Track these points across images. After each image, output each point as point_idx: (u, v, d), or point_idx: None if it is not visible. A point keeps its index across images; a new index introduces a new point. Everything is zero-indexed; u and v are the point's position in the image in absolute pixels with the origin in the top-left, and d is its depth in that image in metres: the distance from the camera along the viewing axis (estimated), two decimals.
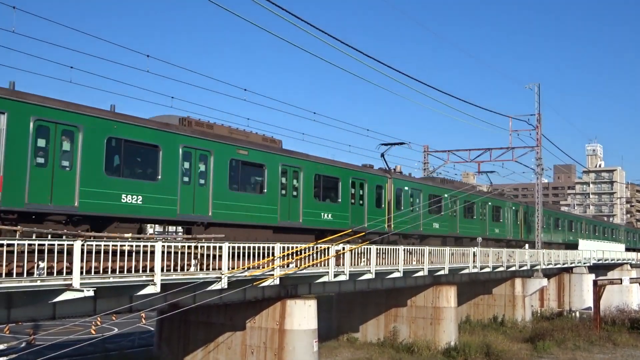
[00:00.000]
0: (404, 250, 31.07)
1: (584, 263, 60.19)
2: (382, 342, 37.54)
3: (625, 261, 73.88)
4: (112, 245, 16.74)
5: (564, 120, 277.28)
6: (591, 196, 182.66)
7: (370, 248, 28.22)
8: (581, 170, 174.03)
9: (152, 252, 17.80)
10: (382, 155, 40.21)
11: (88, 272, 15.91)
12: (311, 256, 24.20)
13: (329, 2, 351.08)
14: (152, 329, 37.18)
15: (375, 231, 34.16)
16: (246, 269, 21.15)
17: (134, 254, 17.42)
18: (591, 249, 64.88)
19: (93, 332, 37.05)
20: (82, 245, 15.52)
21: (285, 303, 25.69)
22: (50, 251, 15.26)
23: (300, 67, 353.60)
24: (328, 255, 25.20)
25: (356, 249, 27.53)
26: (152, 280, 17.72)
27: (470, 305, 48.92)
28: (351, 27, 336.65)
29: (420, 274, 33.01)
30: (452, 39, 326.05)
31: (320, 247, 24.94)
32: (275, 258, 22.40)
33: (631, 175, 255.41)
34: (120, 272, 16.87)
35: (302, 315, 25.72)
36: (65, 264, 15.54)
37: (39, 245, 14.91)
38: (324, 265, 25.18)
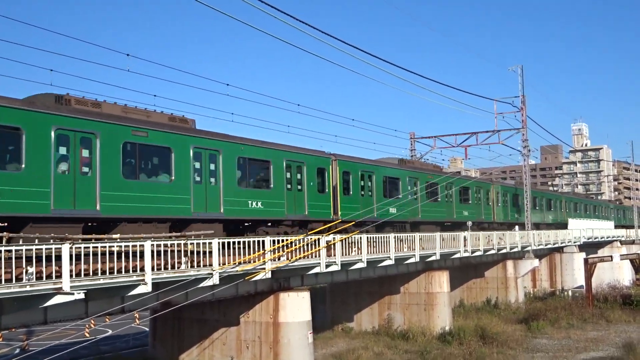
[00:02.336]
0: (395, 237, 31.10)
1: (574, 242, 60.55)
2: (377, 330, 37.65)
3: (615, 238, 74.37)
4: (101, 247, 16.63)
5: (548, 101, 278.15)
6: (579, 175, 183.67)
7: (361, 237, 28.23)
8: (568, 150, 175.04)
9: (142, 252, 17.71)
10: None
11: (78, 274, 15.82)
12: (302, 248, 24.18)
13: None
14: (146, 329, 37.12)
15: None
16: (237, 263, 21.10)
17: (123, 254, 17.33)
18: (581, 228, 65.28)
19: (87, 334, 36.96)
20: (70, 248, 15.40)
21: (278, 296, 25.68)
22: (39, 256, 15.15)
23: (283, 58, 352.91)
24: (319, 246, 25.18)
25: (347, 239, 27.52)
26: (143, 280, 17.64)
27: (463, 290, 49.11)
28: (334, 16, 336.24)
29: (411, 260, 33.08)
30: (434, 23, 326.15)
31: (311, 238, 24.92)
32: (266, 251, 22.36)
33: (617, 153, 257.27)
34: (110, 273, 16.76)
35: (296, 307, 25.73)
36: (54, 267, 15.42)
37: (26, 250, 14.78)
38: (316, 256, 25.17)
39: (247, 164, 27.65)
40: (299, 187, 30.53)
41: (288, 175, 29.85)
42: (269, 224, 29.07)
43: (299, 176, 30.62)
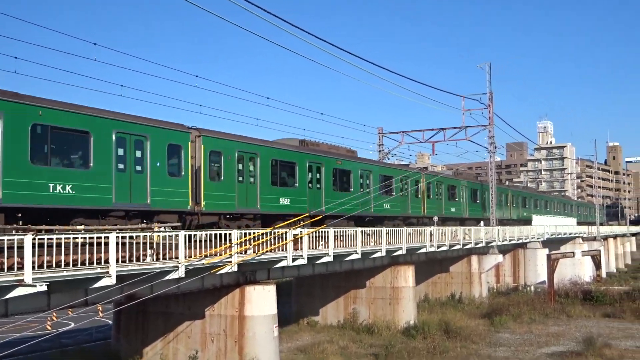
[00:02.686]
0: (362, 232, 31.18)
1: (538, 238, 61.36)
2: (342, 324, 37.75)
3: (577, 235, 75.60)
4: (65, 238, 16.38)
5: (515, 98, 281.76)
6: (543, 172, 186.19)
7: (327, 231, 28.24)
8: (533, 147, 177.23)
9: (107, 244, 17.48)
10: None
11: (40, 266, 15.54)
12: (269, 241, 24.10)
13: None
14: (110, 322, 36.69)
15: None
16: (203, 256, 20.96)
17: (87, 245, 17.09)
18: (544, 224, 66.20)
19: (49, 327, 36.45)
20: (33, 239, 15.14)
21: (244, 289, 25.57)
22: (0, 247, 14.87)
23: (252, 50, 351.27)
24: (286, 240, 25.13)
25: (314, 232, 27.50)
26: (107, 272, 17.40)
27: (428, 284, 49.47)
28: (303, 7, 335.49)
29: (378, 254, 33.21)
30: (403, 18, 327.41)
31: (278, 232, 24.85)
32: (233, 245, 22.25)
33: (581, 151, 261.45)
34: (74, 265, 16.52)
35: (262, 300, 25.66)
36: (16, 259, 15.15)
37: None
38: (282, 250, 25.13)
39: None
40: (139, 167, 24.20)
41: (120, 152, 23.45)
42: (85, 215, 22.33)
43: (138, 154, 24.23)
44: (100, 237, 17.48)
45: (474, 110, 53.80)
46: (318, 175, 35.52)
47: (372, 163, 44.06)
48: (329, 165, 36.58)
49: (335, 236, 28.69)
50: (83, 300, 19.21)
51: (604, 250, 74.49)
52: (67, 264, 16.34)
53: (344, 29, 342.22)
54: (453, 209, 55.05)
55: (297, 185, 33.66)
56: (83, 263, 16.85)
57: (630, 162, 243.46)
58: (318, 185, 35.45)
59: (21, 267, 15.12)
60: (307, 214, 32.67)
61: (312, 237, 27.42)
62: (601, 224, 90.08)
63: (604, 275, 66.10)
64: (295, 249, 26.01)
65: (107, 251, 17.45)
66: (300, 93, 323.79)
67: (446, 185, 54.01)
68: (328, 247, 28.20)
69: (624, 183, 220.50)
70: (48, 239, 15.85)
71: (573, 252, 57.53)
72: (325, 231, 28.20)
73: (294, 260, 25.90)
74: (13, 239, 15.09)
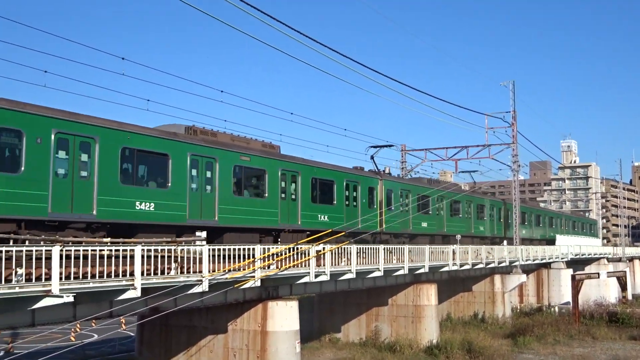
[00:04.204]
0: (384, 249, 31.12)
1: (562, 258, 60.75)
2: (364, 341, 37.56)
3: (602, 255, 74.66)
4: (91, 250, 16.56)
5: (539, 117, 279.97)
6: (567, 192, 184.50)
7: (350, 248, 28.23)
8: (557, 166, 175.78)
9: (132, 257, 17.65)
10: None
11: (67, 277, 15.74)
12: (292, 257, 24.15)
13: (302, 2, 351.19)
14: (133, 334, 36.92)
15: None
16: (227, 271, 21.05)
17: (113, 258, 17.27)
18: (568, 244, 65.50)
19: (72, 339, 36.73)
20: (61, 250, 15.33)
21: (266, 304, 25.62)
22: (29, 257, 15.07)
23: (277, 66, 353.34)
24: (308, 255, 25.16)
25: (336, 249, 27.50)
26: (133, 285, 17.56)
27: (450, 303, 49.14)
28: (326, 26, 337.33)
29: (400, 272, 33.08)
30: (426, 37, 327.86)
31: (301, 247, 24.90)
32: (256, 259, 22.33)
33: (605, 171, 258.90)
34: (100, 276, 16.70)
35: (284, 316, 25.66)
36: (44, 270, 15.34)
37: (17, 251, 14.70)
38: (305, 265, 25.15)
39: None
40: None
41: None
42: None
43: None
44: (125, 250, 17.66)
45: (497, 128, 53.60)
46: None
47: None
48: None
49: (357, 253, 28.67)
50: (108, 312, 19.42)
51: (629, 272, 73.43)
52: (93, 276, 16.53)
53: (367, 47, 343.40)
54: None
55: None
56: (109, 275, 17.02)
57: None
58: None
59: (48, 278, 15.29)
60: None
61: (335, 253, 27.42)
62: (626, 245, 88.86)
63: (629, 297, 65.06)
64: (318, 265, 26.03)
65: (132, 264, 17.61)
66: (323, 109, 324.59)
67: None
68: (350, 263, 28.17)
69: None
70: (75, 250, 16.05)
71: (598, 273, 56.72)
72: (347, 248, 28.19)
73: (316, 276, 25.91)
74: (41, 250, 15.30)
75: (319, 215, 32.05)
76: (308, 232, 30.70)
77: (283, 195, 30.24)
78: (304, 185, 31.63)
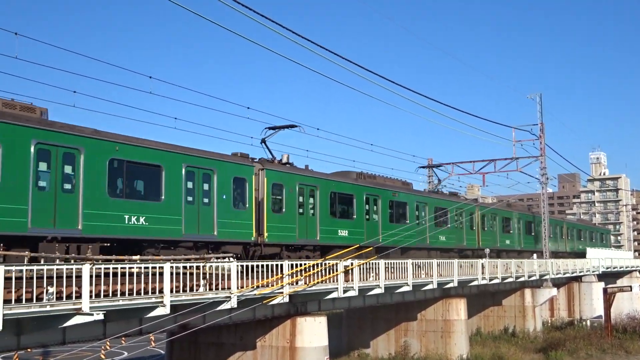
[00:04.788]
0: (412, 263, 30.93)
1: (593, 271, 59.88)
2: (393, 357, 37.33)
3: (634, 268, 73.51)
4: (121, 268, 16.67)
5: (567, 129, 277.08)
6: (597, 204, 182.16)
7: (378, 263, 28.11)
8: (586, 178, 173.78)
9: (161, 274, 17.73)
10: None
11: (97, 295, 15.84)
12: (319, 272, 24.09)
13: (325, 17, 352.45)
14: (162, 351, 37.00)
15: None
16: (255, 287, 21.06)
17: (142, 275, 17.36)
18: (599, 257, 64.57)
19: (102, 356, 36.90)
20: (91, 268, 15.45)
21: (295, 320, 25.55)
22: (59, 276, 15.20)
23: (303, 82, 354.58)
24: (336, 271, 25.09)
25: (364, 264, 27.39)
26: (162, 302, 17.64)
27: (480, 317, 48.63)
28: (350, 40, 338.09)
29: (429, 287, 32.84)
30: (452, 50, 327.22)
31: (329, 263, 24.84)
32: (284, 275, 22.31)
33: (635, 183, 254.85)
34: (129, 294, 16.79)
35: (313, 332, 25.57)
36: (74, 288, 15.46)
37: (47, 270, 14.84)
38: (333, 281, 25.07)
39: None
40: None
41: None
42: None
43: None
44: (155, 267, 17.74)
45: (524, 141, 53.27)
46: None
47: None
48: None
49: (386, 268, 28.53)
50: (137, 329, 19.48)
51: None
52: (122, 293, 16.61)
53: (393, 61, 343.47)
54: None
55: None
56: (138, 292, 17.09)
57: None
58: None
59: (79, 296, 15.42)
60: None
61: (363, 268, 27.32)
62: None
63: None
64: (346, 281, 25.94)
65: (161, 281, 17.69)
66: (349, 124, 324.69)
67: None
68: (379, 278, 28.04)
69: None
70: (105, 268, 16.17)
71: (630, 286, 55.78)
72: (376, 263, 28.07)
73: (345, 291, 25.81)
74: (72, 269, 15.42)
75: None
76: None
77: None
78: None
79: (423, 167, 41.78)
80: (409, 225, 38.18)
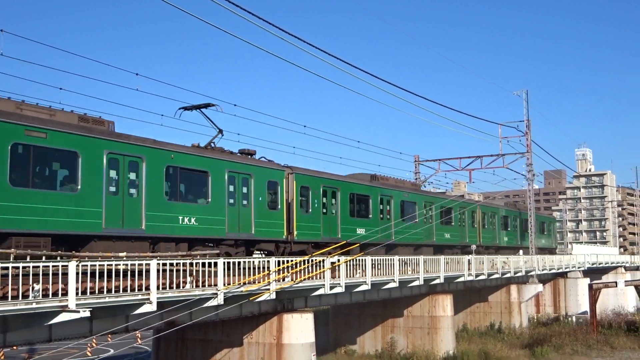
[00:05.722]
0: (399, 260, 31.06)
1: (579, 267, 60.32)
2: (380, 353, 37.45)
3: (619, 264, 74.08)
4: (107, 265, 16.65)
5: (553, 125, 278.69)
6: (582, 201, 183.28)
7: (365, 259, 28.21)
8: (571, 175, 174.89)
9: (147, 271, 17.74)
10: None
11: (84, 292, 15.82)
12: (307, 269, 24.17)
13: (314, 13, 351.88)
14: (148, 348, 36.97)
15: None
16: (242, 284, 21.09)
17: (129, 273, 17.36)
18: (585, 253, 65.03)
19: (89, 354, 36.83)
20: (77, 265, 15.43)
21: (282, 317, 25.62)
22: (45, 273, 15.17)
23: (289, 79, 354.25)
24: (323, 267, 25.16)
25: (351, 261, 27.49)
26: (148, 299, 17.63)
27: (466, 314, 48.86)
28: (336, 38, 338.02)
29: (415, 283, 32.99)
30: (439, 47, 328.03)
31: (316, 259, 24.92)
32: (271, 272, 22.35)
33: (621, 179, 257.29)
34: (116, 291, 16.78)
35: (299, 328, 25.65)
36: (60, 285, 15.43)
37: (33, 267, 14.80)
38: (320, 278, 25.15)
39: None
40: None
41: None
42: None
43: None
44: (141, 265, 17.75)
45: (511, 137, 53.48)
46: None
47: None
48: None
49: (372, 264, 28.63)
50: (124, 327, 19.46)
51: None
52: (109, 290, 16.61)
53: (379, 58, 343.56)
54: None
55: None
56: (125, 290, 17.08)
57: None
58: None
59: (65, 293, 15.39)
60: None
61: (350, 265, 27.42)
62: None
63: None
64: (333, 277, 26.02)
65: (148, 278, 17.69)
66: (336, 121, 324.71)
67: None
68: (365, 275, 28.14)
69: None
70: (91, 265, 16.15)
71: (616, 282, 56.20)
72: (362, 259, 28.18)
73: (331, 288, 25.89)
74: (58, 266, 15.40)
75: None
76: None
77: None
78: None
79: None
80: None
